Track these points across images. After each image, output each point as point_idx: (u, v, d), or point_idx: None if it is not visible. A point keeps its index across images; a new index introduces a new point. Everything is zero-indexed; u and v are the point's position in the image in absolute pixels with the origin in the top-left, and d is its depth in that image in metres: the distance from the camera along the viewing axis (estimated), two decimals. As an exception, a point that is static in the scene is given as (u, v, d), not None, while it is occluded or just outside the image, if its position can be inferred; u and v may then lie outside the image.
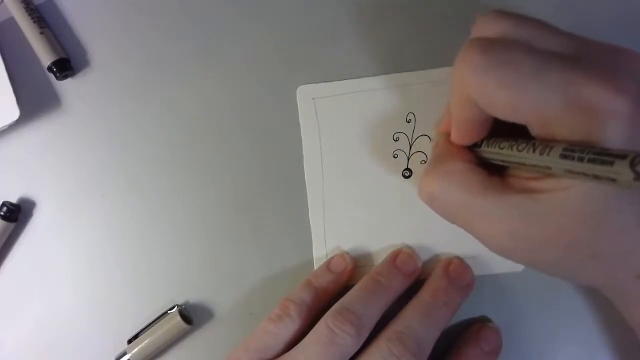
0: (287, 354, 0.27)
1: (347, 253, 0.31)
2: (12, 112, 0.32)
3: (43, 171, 0.34)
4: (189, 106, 0.33)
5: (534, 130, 0.21)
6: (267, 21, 0.33)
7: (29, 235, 0.34)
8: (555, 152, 0.19)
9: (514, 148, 0.22)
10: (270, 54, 0.32)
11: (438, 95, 0.31)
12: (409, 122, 0.31)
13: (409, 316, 0.27)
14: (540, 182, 0.21)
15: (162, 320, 0.31)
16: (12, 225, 0.33)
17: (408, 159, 0.31)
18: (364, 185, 0.31)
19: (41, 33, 0.33)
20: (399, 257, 0.30)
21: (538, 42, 0.21)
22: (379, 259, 0.31)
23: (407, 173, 0.31)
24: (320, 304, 0.29)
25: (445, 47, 0.31)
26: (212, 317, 0.32)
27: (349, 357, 0.27)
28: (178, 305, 0.32)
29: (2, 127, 0.33)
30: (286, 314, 0.28)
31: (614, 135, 0.18)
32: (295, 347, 0.27)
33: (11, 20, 0.34)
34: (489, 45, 0.21)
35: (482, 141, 0.24)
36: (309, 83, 0.32)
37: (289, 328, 0.28)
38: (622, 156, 0.16)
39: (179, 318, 0.31)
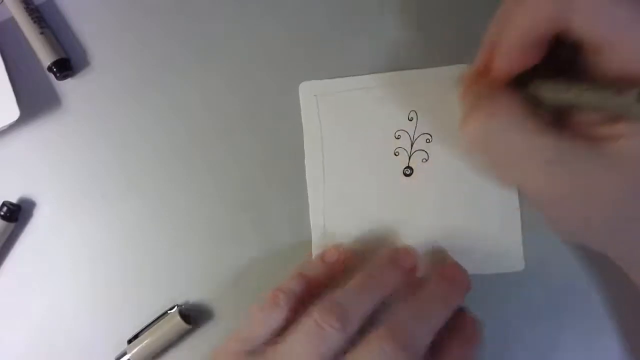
0: (273, 343, 0.26)
1: (342, 245, 0.31)
2: (12, 112, 0.32)
3: (43, 171, 0.34)
4: (189, 105, 0.33)
5: (615, 51, 0.19)
6: (268, 17, 0.33)
7: (29, 235, 0.34)
8: (633, 96, 0.17)
9: (578, 88, 0.19)
10: (273, 50, 0.32)
11: (441, 94, 0.30)
12: (411, 120, 0.31)
13: (403, 314, 0.27)
14: (610, 128, 0.19)
15: (162, 320, 0.31)
16: (12, 225, 0.33)
17: (409, 157, 0.31)
18: (365, 183, 0.31)
19: (41, 33, 0.33)
20: (395, 253, 0.29)
21: None
22: None
23: (409, 171, 0.31)
24: (310, 295, 0.29)
25: (449, 45, 0.31)
26: (212, 317, 0.32)
27: (335, 351, 0.26)
28: (178, 305, 0.32)
29: (2, 127, 0.33)
30: (275, 304, 0.28)
31: None
32: (282, 336, 0.27)
33: (11, 20, 0.34)
34: None
35: (529, 82, 0.22)
36: (312, 80, 0.32)
37: (277, 317, 0.27)
38: None
39: (179, 318, 0.31)
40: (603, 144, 0.19)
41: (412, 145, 0.31)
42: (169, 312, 0.32)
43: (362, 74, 0.31)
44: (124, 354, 0.31)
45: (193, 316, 0.32)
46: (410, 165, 0.31)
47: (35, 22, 0.33)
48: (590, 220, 0.21)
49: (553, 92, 0.21)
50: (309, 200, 0.31)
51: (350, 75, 0.32)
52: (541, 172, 0.20)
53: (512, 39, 0.22)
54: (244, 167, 0.32)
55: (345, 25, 0.32)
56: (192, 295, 0.32)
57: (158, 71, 0.33)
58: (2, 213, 0.33)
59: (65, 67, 0.33)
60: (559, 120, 0.21)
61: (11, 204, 0.33)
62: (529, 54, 0.22)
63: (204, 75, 0.33)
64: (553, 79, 0.21)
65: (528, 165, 0.21)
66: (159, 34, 0.33)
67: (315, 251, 0.31)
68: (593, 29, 0.19)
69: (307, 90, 0.32)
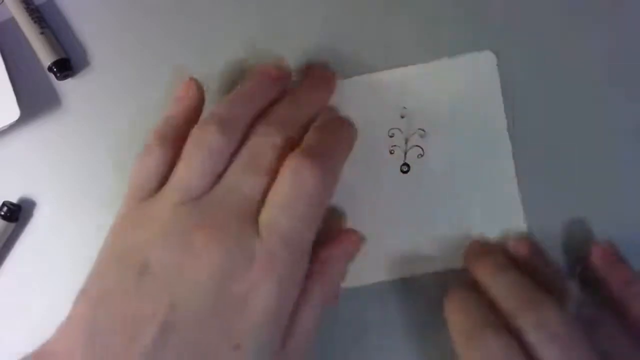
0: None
1: (194, 78, 0.30)
2: (12, 112, 0.32)
3: (43, 171, 0.34)
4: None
5: None
6: (268, 17, 0.33)
7: (29, 235, 0.34)
8: None
9: None
10: (270, 49, 0.32)
11: (431, 90, 0.31)
12: (403, 118, 0.31)
13: (275, 111, 0.27)
14: None
15: None
16: (12, 225, 0.33)
17: (405, 154, 0.31)
18: (362, 183, 0.31)
19: (41, 33, 0.33)
20: (263, 66, 0.29)
21: None
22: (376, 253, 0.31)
23: (405, 168, 0.31)
24: (183, 133, 0.27)
25: (438, 39, 0.31)
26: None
27: (224, 155, 0.26)
28: None
29: (2, 127, 0.33)
30: (148, 149, 0.27)
31: None
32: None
33: (11, 20, 0.34)
34: None
35: None
36: None
37: (157, 158, 0.26)
38: None
39: None
40: None
41: (406, 142, 0.31)
42: None
43: (352, 75, 0.32)
44: None
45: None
46: (406, 162, 0.31)
47: (35, 22, 0.33)
48: None
49: None
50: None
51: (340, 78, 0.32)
52: None
53: None
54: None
55: (338, 25, 0.32)
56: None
57: (158, 71, 0.33)
58: (2, 213, 0.33)
59: (65, 67, 0.33)
60: None
61: (11, 204, 0.33)
62: None
63: (204, 75, 0.33)
64: None
65: None
66: (159, 34, 0.33)
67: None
68: None
69: None
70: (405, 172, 0.31)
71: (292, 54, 0.32)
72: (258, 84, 0.28)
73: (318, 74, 0.31)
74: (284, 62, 0.29)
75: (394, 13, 0.32)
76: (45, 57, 0.33)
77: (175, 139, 0.27)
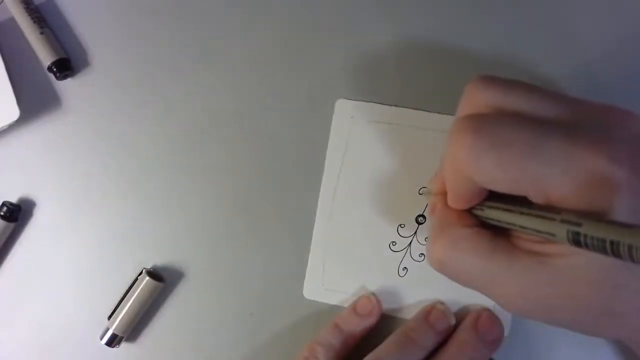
0: None
1: (373, 294, 0.30)
2: (12, 112, 0.32)
3: (43, 171, 0.34)
4: (189, 106, 0.33)
5: (536, 199, 0.20)
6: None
7: (29, 235, 0.34)
8: (558, 223, 0.18)
9: (515, 214, 0.21)
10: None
11: None
12: None
13: None
14: (545, 246, 0.21)
15: (134, 286, 0.32)
16: (12, 225, 0.33)
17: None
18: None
19: (41, 33, 0.33)
20: (432, 314, 0.29)
21: (530, 109, 0.21)
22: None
23: (422, 219, 0.30)
24: (347, 348, 0.29)
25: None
26: (214, 318, 0.32)
27: None
28: (145, 268, 0.32)
29: (2, 127, 0.33)
30: (314, 357, 0.28)
31: (618, 208, 0.18)
32: None
33: (11, 20, 0.34)
34: (480, 124, 0.21)
35: (480, 203, 0.24)
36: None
37: None
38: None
39: (148, 278, 0.31)
40: (544, 260, 0.21)
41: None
42: (138, 277, 0.32)
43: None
44: (107, 330, 0.32)
45: (165, 275, 0.32)
46: (424, 213, 0.29)
47: (35, 22, 0.33)
48: (555, 322, 0.22)
49: (497, 218, 0.23)
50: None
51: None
52: (500, 291, 0.22)
53: (451, 191, 0.24)
54: (248, 175, 0.32)
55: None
56: (193, 297, 0.32)
57: (158, 71, 0.33)
58: (2, 213, 0.33)
59: (65, 67, 0.33)
60: (509, 234, 0.23)
61: (11, 204, 0.33)
62: (472, 199, 0.23)
63: (205, 75, 0.33)
64: (498, 205, 0.22)
65: (487, 286, 0.23)
66: (159, 34, 0.33)
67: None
68: (505, 188, 0.21)
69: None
70: (421, 224, 0.30)
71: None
72: (424, 335, 0.29)
73: (486, 332, 0.29)
74: (447, 312, 0.29)
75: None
76: (45, 57, 0.33)
77: (340, 353, 0.29)
